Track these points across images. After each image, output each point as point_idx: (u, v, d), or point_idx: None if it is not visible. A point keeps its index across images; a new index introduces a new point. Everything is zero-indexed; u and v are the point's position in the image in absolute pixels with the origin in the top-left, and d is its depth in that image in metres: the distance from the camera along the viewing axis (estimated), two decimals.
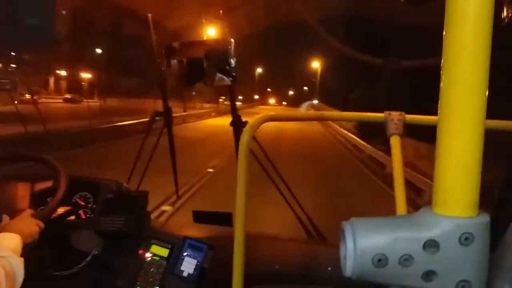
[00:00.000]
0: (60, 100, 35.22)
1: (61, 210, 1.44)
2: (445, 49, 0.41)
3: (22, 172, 1.70)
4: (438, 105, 0.43)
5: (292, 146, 15.29)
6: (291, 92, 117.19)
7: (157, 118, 2.16)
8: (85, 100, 30.87)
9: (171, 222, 1.81)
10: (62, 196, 1.39)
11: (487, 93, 0.41)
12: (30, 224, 1.22)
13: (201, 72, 1.79)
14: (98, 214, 1.58)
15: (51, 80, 45.91)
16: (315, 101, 62.26)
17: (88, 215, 1.62)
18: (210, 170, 9.03)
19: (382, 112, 1.15)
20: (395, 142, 1.10)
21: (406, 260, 0.43)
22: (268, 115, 1.08)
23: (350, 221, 0.46)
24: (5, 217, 1.25)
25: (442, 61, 0.42)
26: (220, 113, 30.82)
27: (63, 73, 46.29)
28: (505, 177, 1.01)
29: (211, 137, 15.90)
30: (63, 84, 45.91)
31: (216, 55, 1.81)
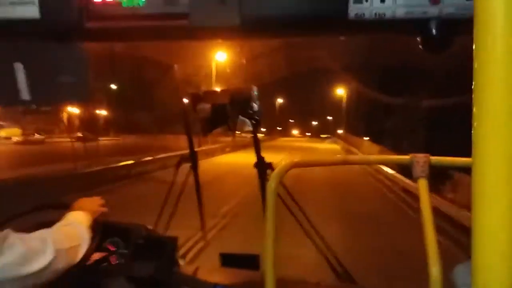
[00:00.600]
0: (72, 139, 34.84)
1: (94, 256, 1.44)
2: (476, 88, 0.39)
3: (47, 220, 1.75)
4: (472, 150, 0.39)
5: (322, 197, 10.76)
6: (314, 123, 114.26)
7: (184, 163, 2.19)
8: (99, 138, 30.10)
9: (200, 265, 1.79)
10: (96, 242, 1.41)
11: None
12: (93, 202, 1.49)
13: (224, 116, 1.83)
14: (129, 260, 1.58)
15: (65, 118, 45.22)
16: (340, 131, 61.11)
17: (118, 261, 1.62)
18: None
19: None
20: (422, 185, 1.07)
21: None
22: (294, 162, 1.08)
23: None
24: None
25: (473, 100, 0.39)
26: (235, 148, 28.04)
27: (75, 110, 45.02)
28: None
29: (218, 180, 12.46)
30: (77, 122, 44.84)
31: (239, 100, 1.87)
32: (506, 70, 0.38)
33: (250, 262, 1.74)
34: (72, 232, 1.28)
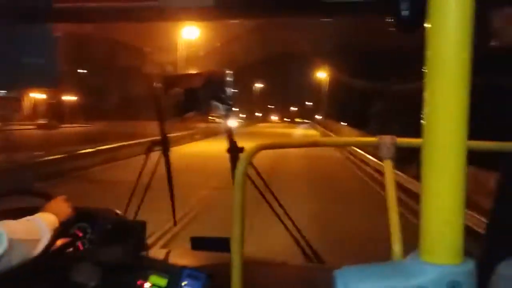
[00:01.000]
0: (33, 127, 30.48)
1: (59, 242, 1.43)
2: (429, 72, 0.43)
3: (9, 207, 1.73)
4: (422, 130, 0.44)
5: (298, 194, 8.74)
6: (293, 108, 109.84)
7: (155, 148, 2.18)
8: (64, 125, 27.73)
9: (170, 249, 1.80)
10: (62, 228, 1.40)
11: (467, 118, 0.42)
12: (63, 206, 1.46)
13: (196, 101, 1.83)
14: (96, 245, 1.58)
15: (26, 104, 41.81)
16: (319, 117, 59.79)
17: (86, 246, 1.61)
18: None
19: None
20: (388, 166, 1.11)
21: None
22: (263, 144, 1.10)
23: (342, 270, 0.48)
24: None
25: (425, 85, 0.43)
26: (207, 135, 25.14)
27: (41, 96, 41.60)
28: (490, 218, 1.01)
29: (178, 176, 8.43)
30: (42, 108, 38.64)
31: (212, 85, 1.86)
32: (456, 55, 0.41)
33: (221, 245, 1.76)
34: (32, 226, 1.26)
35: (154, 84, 2.12)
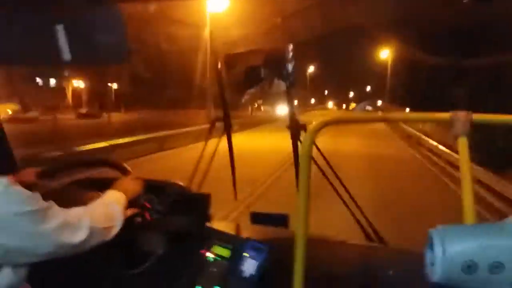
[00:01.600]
0: (74, 116, 30.79)
1: (129, 211, 1.51)
2: None
3: (86, 179, 1.85)
4: None
5: None
6: (351, 94, 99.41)
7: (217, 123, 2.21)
8: (108, 114, 27.01)
9: (230, 223, 1.84)
10: (130, 199, 1.48)
11: None
12: (133, 184, 1.53)
13: (258, 77, 1.82)
14: (163, 215, 1.65)
15: (70, 93, 40.28)
16: (379, 102, 55.30)
17: (153, 217, 1.69)
18: None
19: None
20: (462, 144, 1.04)
21: (496, 267, 0.43)
22: (327, 120, 1.06)
23: (438, 228, 0.47)
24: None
25: None
26: (245, 126, 20.71)
27: (81, 84, 39.33)
28: None
29: None
30: (85, 96, 39.87)
31: (273, 61, 1.84)
32: None
33: (280, 221, 1.77)
34: (109, 213, 1.34)
35: (216, 63, 2.13)
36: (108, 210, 1.34)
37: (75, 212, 1.19)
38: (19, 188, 1.01)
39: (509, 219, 0.46)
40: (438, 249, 0.45)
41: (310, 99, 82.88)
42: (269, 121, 29.58)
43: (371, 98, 71.37)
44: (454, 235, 0.45)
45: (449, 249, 0.44)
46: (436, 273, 0.45)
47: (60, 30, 1.01)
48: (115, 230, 1.32)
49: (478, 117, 1.08)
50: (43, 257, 1.07)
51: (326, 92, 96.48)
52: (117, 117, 28.66)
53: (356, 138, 18.39)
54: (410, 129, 20.30)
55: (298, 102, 66.17)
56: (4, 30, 1.02)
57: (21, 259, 1.05)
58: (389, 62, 38.18)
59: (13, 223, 0.97)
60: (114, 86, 36.72)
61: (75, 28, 1.02)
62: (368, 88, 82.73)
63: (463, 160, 1.01)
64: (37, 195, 1.05)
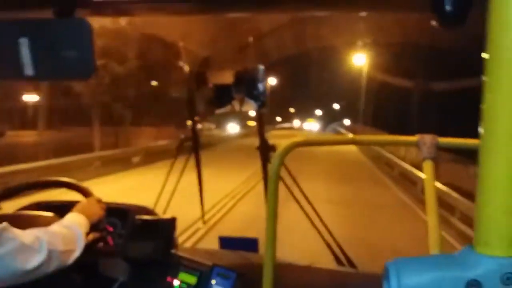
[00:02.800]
0: None
1: (90, 236, 1.46)
2: (489, 67, 0.41)
3: (44, 202, 1.77)
4: (480, 130, 0.43)
5: None
6: (318, 112, 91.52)
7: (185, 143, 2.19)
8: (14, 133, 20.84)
9: (198, 248, 1.80)
10: (93, 223, 1.42)
11: None
12: (95, 207, 1.46)
13: (228, 96, 1.82)
14: (126, 240, 1.59)
15: None
16: (347, 121, 53.50)
17: (116, 241, 1.63)
18: None
19: None
20: (427, 167, 1.06)
21: None
22: (297, 141, 1.06)
23: (394, 261, 0.47)
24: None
25: (485, 80, 0.41)
26: (151, 157, 15.33)
27: None
28: None
29: None
30: None
31: (244, 81, 1.85)
32: None
33: (250, 245, 1.75)
34: (69, 235, 1.27)
35: (186, 80, 2.12)
36: (68, 233, 1.27)
37: (32, 234, 1.13)
38: None
39: (463, 249, 0.47)
40: (393, 282, 0.45)
41: (275, 117, 77.08)
42: (223, 141, 28.13)
43: (339, 117, 69.28)
44: (410, 267, 0.46)
45: (404, 282, 0.45)
46: None
47: (24, 43, 0.97)
48: (75, 255, 1.26)
49: (443, 140, 1.10)
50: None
51: (292, 110, 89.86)
52: (26, 136, 23.39)
53: (322, 167, 14.69)
54: (385, 153, 16.10)
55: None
56: None
57: None
58: (364, 71, 30.81)
59: None
60: (33, 98, 27.96)
61: (40, 41, 0.99)
62: (337, 106, 79.86)
63: (428, 183, 1.02)
64: None
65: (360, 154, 19.87)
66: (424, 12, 0.83)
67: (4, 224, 1.03)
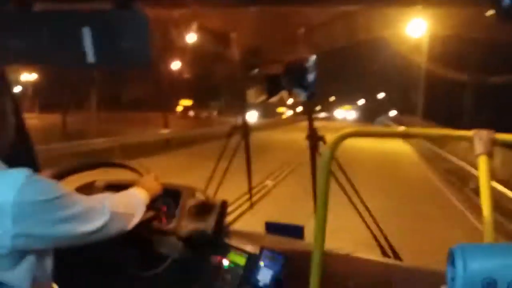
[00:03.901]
0: None
1: (146, 214, 1.53)
2: None
3: (103, 181, 1.86)
4: None
5: None
6: (361, 101, 79.33)
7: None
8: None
9: (245, 231, 1.84)
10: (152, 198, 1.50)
11: None
12: (154, 183, 1.55)
13: (278, 86, 1.83)
14: (179, 220, 1.65)
15: None
16: (393, 113, 49.50)
17: (169, 221, 1.70)
18: None
19: None
20: (483, 163, 1.03)
21: None
22: (348, 132, 1.05)
23: (460, 246, 0.48)
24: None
25: None
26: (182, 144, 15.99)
27: None
28: None
29: None
30: None
31: (294, 72, 1.85)
32: None
33: (295, 232, 1.76)
34: (129, 201, 1.35)
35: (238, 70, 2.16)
36: (129, 199, 1.36)
37: (95, 198, 1.22)
38: (41, 178, 1.03)
39: None
40: (459, 266, 0.46)
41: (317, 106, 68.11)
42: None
43: (383, 107, 60.98)
44: (475, 253, 0.47)
45: (469, 266, 0.45)
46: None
47: (86, 32, 1.03)
48: (135, 220, 1.33)
49: (500, 136, 1.06)
50: (66, 242, 1.09)
51: (332, 98, 78.68)
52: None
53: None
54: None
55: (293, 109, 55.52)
56: (33, 30, 1.05)
57: (47, 244, 1.06)
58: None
59: (39, 210, 0.99)
60: (30, 77, 25.01)
61: (101, 31, 1.04)
62: (381, 95, 69.88)
63: (483, 179, 0.99)
64: (59, 183, 1.07)
65: (421, 161, 15.24)
66: (482, 5, 0.80)
67: (69, 189, 1.10)
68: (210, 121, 29.76)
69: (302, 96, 1.83)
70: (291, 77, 1.85)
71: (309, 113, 2.02)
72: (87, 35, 1.02)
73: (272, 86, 1.86)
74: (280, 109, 48.58)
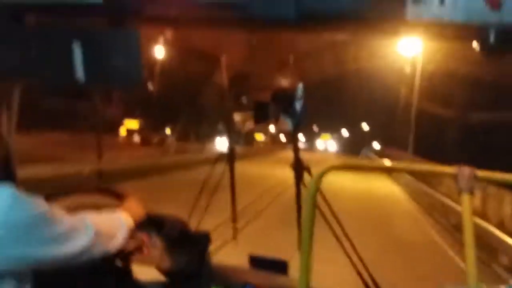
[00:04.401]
0: None
1: (128, 244, 1.48)
2: None
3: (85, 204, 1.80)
4: None
5: None
6: (345, 133, 76.57)
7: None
8: None
9: (229, 264, 1.80)
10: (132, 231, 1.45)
11: None
12: (138, 207, 1.50)
13: (266, 114, 1.83)
14: (162, 251, 1.61)
15: None
16: (376, 146, 47.58)
17: (151, 251, 1.65)
18: None
19: None
20: (465, 200, 1.03)
21: None
22: (335, 164, 1.05)
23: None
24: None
25: None
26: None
27: None
28: None
29: None
30: None
31: (281, 100, 1.86)
32: None
33: (279, 267, 1.73)
34: (114, 222, 1.31)
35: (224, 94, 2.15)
36: (113, 222, 1.31)
37: (79, 217, 1.17)
38: (25, 195, 1.00)
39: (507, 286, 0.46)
40: None
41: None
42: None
43: (367, 138, 59.19)
44: None
45: None
46: None
47: (77, 48, 1.02)
48: (118, 242, 1.28)
49: (482, 173, 1.07)
50: (49, 263, 1.05)
51: (315, 128, 73.98)
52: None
53: None
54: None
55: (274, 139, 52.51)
56: (24, 47, 1.03)
57: (30, 266, 1.03)
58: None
59: (25, 231, 0.97)
60: None
61: (92, 48, 1.03)
62: (365, 127, 67.10)
63: (466, 217, 0.99)
64: (42, 200, 1.04)
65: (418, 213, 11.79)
66: (468, 41, 0.82)
67: (52, 206, 1.06)
68: (165, 150, 22.95)
69: (289, 125, 1.83)
70: (279, 105, 1.85)
71: (294, 142, 2.02)
72: (77, 51, 1.01)
73: (260, 113, 1.86)
74: (258, 137, 45.16)
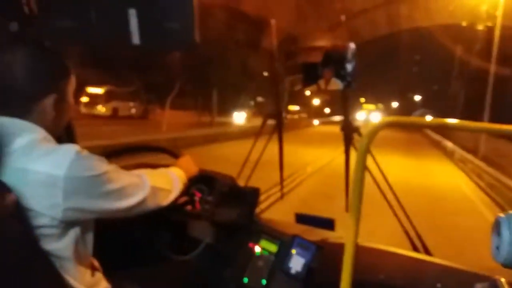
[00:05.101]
0: None
1: (181, 199, 1.54)
2: None
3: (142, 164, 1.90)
4: None
5: None
6: (395, 104, 73.90)
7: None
8: None
9: (276, 220, 1.85)
10: (185, 187, 1.51)
11: None
12: (191, 163, 1.59)
13: (315, 75, 1.81)
14: (213, 206, 1.68)
15: None
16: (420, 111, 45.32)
17: (203, 206, 1.73)
18: None
19: None
20: None
21: None
22: (387, 120, 1.02)
23: (507, 215, 0.50)
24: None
25: None
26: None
27: None
28: None
29: None
30: None
31: (332, 60, 1.82)
32: None
33: (326, 224, 1.76)
34: (167, 177, 1.38)
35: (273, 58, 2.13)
36: (167, 176, 1.39)
37: (135, 172, 1.26)
38: (88, 154, 1.08)
39: None
40: (505, 233, 0.48)
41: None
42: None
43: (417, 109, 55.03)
44: None
45: None
46: (501, 256, 0.49)
47: (132, 13, 1.05)
48: (172, 196, 1.36)
49: None
50: (109, 215, 1.13)
51: (362, 100, 70.48)
52: None
53: None
54: None
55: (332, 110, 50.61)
56: (80, 11, 1.08)
57: (92, 217, 1.12)
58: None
59: (87, 185, 1.05)
60: None
61: (147, 12, 1.06)
62: (418, 98, 64.02)
63: None
64: (104, 160, 1.11)
65: None
66: None
67: (111, 165, 1.13)
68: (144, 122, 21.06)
69: (339, 85, 1.80)
70: (329, 66, 1.82)
71: (344, 104, 1.99)
72: (132, 15, 1.04)
73: (309, 74, 1.84)
74: (291, 107, 39.89)
